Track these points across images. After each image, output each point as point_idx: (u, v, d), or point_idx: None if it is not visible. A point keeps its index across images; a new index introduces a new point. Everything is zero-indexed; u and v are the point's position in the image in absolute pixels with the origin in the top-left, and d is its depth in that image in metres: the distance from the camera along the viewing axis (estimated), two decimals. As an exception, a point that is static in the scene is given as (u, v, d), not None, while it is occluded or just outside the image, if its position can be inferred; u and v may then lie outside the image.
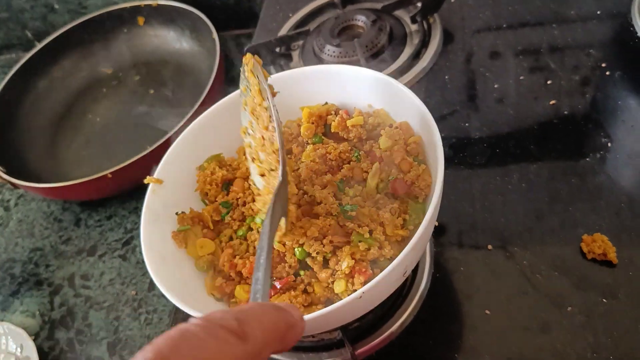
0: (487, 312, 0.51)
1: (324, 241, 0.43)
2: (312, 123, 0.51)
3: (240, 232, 0.49)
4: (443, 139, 0.43)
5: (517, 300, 0.51)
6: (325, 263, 0.44)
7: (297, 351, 0.53)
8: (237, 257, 0.47)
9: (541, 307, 0.50)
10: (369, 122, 0.50)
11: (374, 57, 0.77)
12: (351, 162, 0.48)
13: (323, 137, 0.51)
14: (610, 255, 0.51)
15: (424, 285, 0.54)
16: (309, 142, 0.51)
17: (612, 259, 0.51)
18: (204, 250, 0.48)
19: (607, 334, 0.47)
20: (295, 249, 0.44)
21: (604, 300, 0.49)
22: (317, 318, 0.36)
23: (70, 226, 0.82)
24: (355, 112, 0.51)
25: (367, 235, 0.42)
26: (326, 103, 0.54)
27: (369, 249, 0.42)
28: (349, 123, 0.50)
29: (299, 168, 0.48)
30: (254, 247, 0.47)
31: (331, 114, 0.52)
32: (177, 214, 0.50)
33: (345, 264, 0.41)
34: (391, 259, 0.41)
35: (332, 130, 0.51)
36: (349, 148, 0.49)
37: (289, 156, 0.52)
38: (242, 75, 0.45)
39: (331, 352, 0.52)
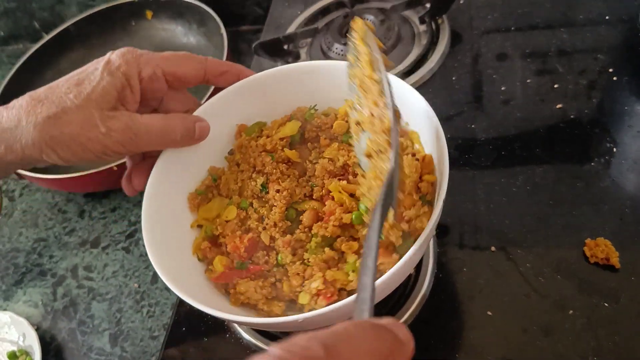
0: (489, 313, 0.51)
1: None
2: (345, 121, 0.51)
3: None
4: (449, 140, 0.43)
5: (519, 302, 0.51)
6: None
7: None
8: (238, 231, 0.47)
9: (543, 310, 0.50)
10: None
11: (382, 56, 0.77)
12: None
13: None
14: (613, 260, 0.51)
15: (426, 285, 0.54)
16: (338, 138, 0.51)
17: (614, 263, 0.51)
18: (230, 215, 0.48)
19: (609, 338, 0.47)
20: (279, 255, 0.45)
21: (606, 304, 0.49)
22: (316, 317, 0.36)
23: (74, 217, 0.83)
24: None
25: (358, 264, 0.42)
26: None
27: (351, 281, 0.42)
28: None
29: (317, 162, 0.48)
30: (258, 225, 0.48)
31: None
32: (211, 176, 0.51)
33: (314, 284, 0.41)
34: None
35: None
36: None
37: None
38: (350, 44, 0.43)
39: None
